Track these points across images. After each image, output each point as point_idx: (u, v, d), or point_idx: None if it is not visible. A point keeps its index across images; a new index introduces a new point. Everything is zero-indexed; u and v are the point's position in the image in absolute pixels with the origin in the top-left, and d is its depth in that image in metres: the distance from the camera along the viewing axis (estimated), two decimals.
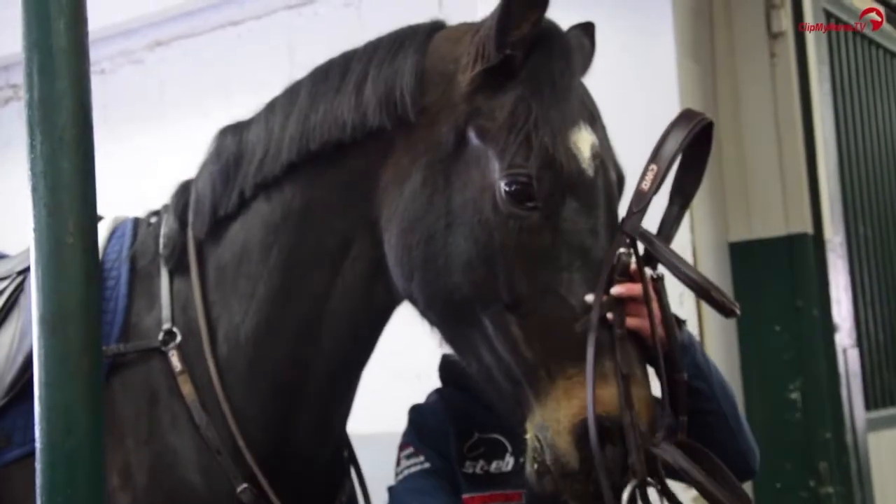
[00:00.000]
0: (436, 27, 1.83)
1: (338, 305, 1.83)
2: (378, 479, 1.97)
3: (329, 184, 1.83)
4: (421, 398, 2.04)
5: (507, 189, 1.60)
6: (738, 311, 1.57)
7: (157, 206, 2.10)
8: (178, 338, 1.89)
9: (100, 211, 1.50)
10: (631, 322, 1.54)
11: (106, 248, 2.00)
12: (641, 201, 1.58)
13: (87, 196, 1.31)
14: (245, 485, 1.83)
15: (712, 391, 1.70)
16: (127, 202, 2.22)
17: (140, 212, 2.15)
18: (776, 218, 3.73)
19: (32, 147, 1.29)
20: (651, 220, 1.62)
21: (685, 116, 1.63)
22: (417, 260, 1.68)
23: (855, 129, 4.38)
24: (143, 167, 4.35)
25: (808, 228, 3.72)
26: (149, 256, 2.00)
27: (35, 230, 1.29)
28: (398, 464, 1.90)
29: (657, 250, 1.58)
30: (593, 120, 1.71)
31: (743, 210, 3.78)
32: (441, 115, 1.71)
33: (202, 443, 1.85)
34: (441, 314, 1.72)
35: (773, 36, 3.71)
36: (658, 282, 1.61)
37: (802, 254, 3.71)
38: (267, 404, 1.87)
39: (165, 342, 1.89)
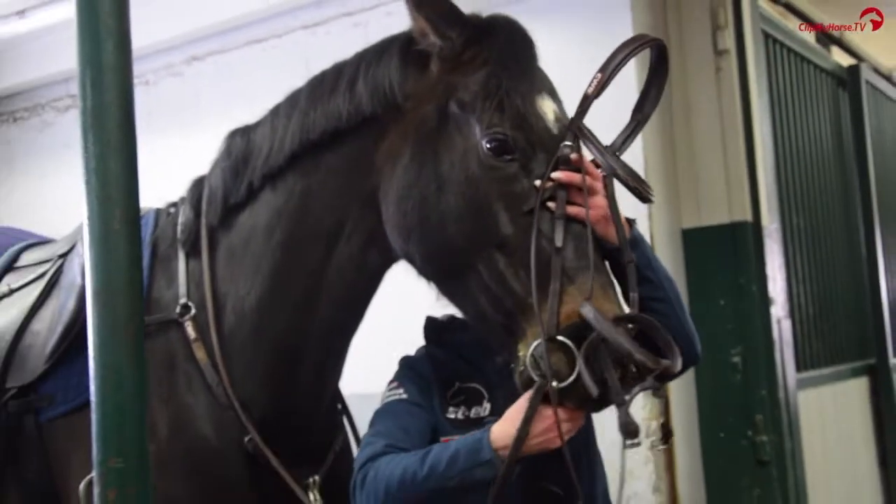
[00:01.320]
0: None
1: (334, 277, 1.85)
2: None
3: (327, 168, 1.84)
4: None
5: (487, 146, 1.64)
6: (652, 199, 1.63)
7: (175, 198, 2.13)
8: (193, 310, 1.91)
9: (145, 201, 1.52)
10: (573, 208, 1.58)
11: None
12: (585, 103, 1.63)
13: (132, 190, 1.32)
14: (251, 435, 1.84)
15: (660, 281, 1.71)
16: (168, 194, 2.24)
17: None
18: (721, 208, 3.75)
19: (86, 148, 1.31)
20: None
21: (635, 38, 1.68)
22: (413, 222, 1.70)
23: (789, 132, 4.40)
24: (183, 166, 4.35)
25: (749, 217, 3.74)
26: (168, 241, 2.02)
27: (88, 218, 1.31)
28: (383, 395, 1.89)
29: (589, 142, 1.62)
30: (554, 94, 1.76)
31: (693, 201, 3.80)
32: (424, 98, 1.75)
33: (214, 400, 1.87)
34: (438, 266, 1.73)
35: (719, 53, 3.71)
36: (607, 178, 1.64)
37: (744, 239, 3.72)
38: (270, 365, 1.88)
39: (182, 314, 1.91)
